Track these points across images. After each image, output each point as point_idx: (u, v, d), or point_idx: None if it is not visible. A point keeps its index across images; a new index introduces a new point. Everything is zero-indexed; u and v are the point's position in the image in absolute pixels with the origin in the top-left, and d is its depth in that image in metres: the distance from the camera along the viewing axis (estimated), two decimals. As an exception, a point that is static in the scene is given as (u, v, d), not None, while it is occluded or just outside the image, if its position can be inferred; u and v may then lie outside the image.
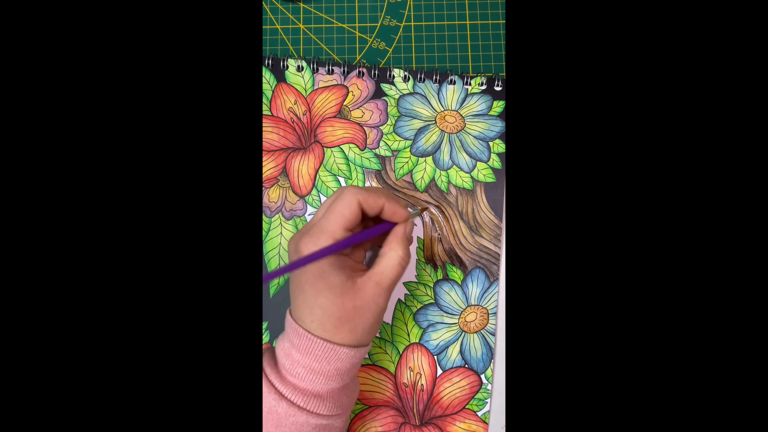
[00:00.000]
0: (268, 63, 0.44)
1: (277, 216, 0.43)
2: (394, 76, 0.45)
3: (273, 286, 0.43)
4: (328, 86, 0.44)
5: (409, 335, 0.43)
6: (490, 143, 0.44)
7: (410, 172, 0.44)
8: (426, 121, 0.44)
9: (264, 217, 0.43)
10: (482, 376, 0.42)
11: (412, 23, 0.47)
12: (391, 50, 0.47)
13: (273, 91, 0.44)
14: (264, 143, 0.44)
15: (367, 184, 0.43)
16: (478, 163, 0.44)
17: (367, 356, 0.42)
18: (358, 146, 0.44)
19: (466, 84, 0.45)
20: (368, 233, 0.35)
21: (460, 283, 0.43)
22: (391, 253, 0.35)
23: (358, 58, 0.46)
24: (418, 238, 0.43)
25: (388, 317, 0.43)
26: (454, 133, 0.44)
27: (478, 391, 0.42)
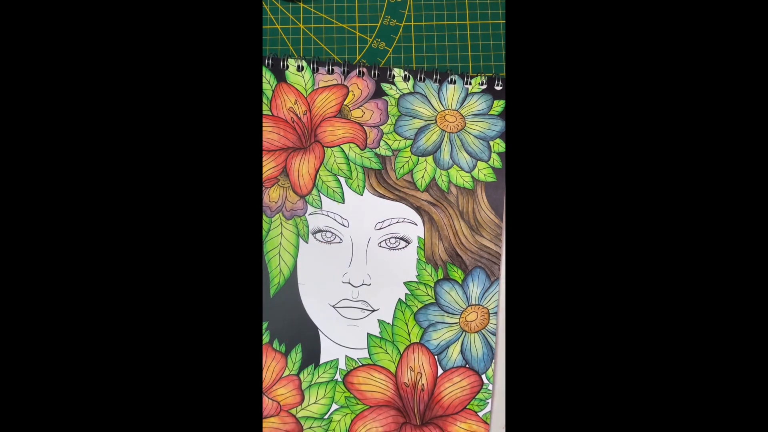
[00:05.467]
0: (268, 63, 0.44)
1: (277, 216, 0.43)
2: (394, 76, 0.45)
3: (273, 287, 0.43)
4: (328, 86, 0.44)
5: (409, 335, 0.43)
6: (491, 143, 0.44)
7: (410, 171, 0.44)
8: (426, 120, 0.44)
9: (264, 217, 0.43)
10: (483, 377, 0.42)
11: (412, 23, 0.47)
12: (391, 50, 0.47)
13: (273, 91, 0.44)
14: (264, 143, 0.44)
15: (367, 183, 0.43)
16: (478, 162, 0.44)
17: (367, 356, 0.42)
18: (358, 146, 0.44)
19: (467, 83, 0.44)
20: None
21: (460, 282, 0.43)
22: None
23: (358, 58, 0.46)
24: (418, 237, 0.43)
25: (388, 317, 0.43)
26: (455, 132, 0.44)
27: (479, 392, 0.42)
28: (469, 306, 0.43)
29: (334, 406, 0.42)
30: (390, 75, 0.45)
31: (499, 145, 0.44)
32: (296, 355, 0.42)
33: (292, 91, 0.44)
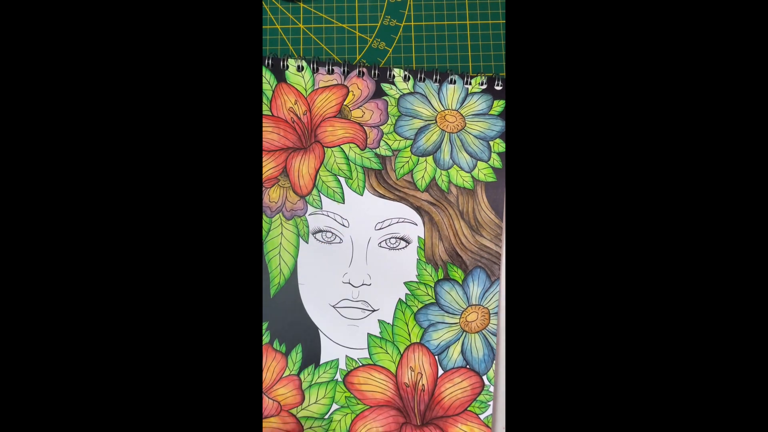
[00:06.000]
0: (268, 63, 0.44)
1: (277, 216, 0.43)
2: (394, 76, 0.45)
3: (273, 287, 0.43)
4: (328, 86, 0.44)
5: (410, 335, 0.43)
6: (491, 142, 0.44)
7: (411, 171, 0.44)
8: (426, 120, 0.44)
9: (264, 217, 0.43)
10: (484, 378, 0.42)
11: (412, 23, 0.47)
12: (391, 50, 0.47)
13: (273, 91, 0.44)
14: (264, 143, 0.44)
15: (367, 183, 0.43)
16: (478, 162, 0.44)
17: (368, 356, 0.42)
18: (358, 146, 0.44)
19: (467, 83, 0.45)
20: None
21: (460, 282, 0.43)
22: None
23: (358, 58, 0.46)
24: (419, 237, 0.43)
25: (389, 317, 0.43)
26: (455, 132, 0.44)
27: (480, 393, 0.42)
28: (469, 306, 0.43)
29: (335, 406, 0.42)
30: (390, 75, 0.45)
31: (499, 145, 0.44)
32: (296, 355, 0.42)
33: (292, 91, 0.44)
